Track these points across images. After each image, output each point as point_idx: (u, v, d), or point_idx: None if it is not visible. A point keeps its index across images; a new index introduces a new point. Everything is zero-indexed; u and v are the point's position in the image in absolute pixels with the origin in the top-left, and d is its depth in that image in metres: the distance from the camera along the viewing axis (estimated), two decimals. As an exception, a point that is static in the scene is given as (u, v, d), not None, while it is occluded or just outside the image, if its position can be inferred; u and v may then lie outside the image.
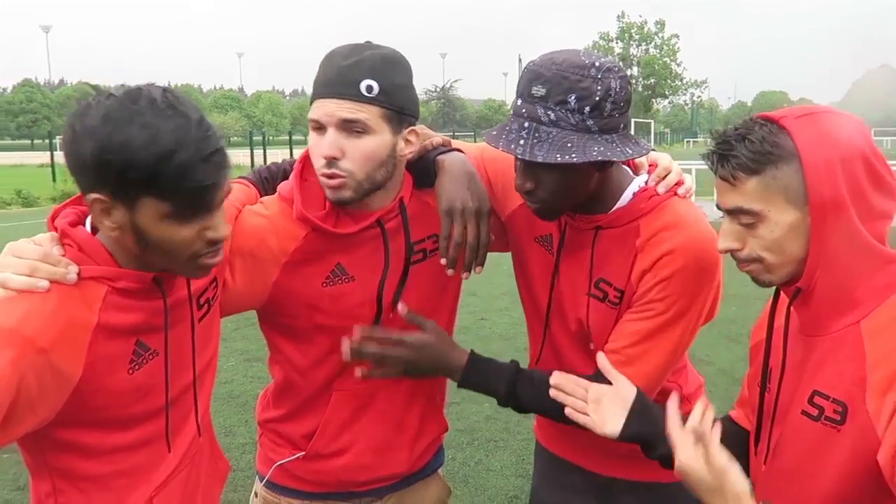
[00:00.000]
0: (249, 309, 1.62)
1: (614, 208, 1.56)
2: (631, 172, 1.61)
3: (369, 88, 1.46)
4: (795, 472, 1.25)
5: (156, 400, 1.35)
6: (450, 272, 1.59)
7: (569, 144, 1.39)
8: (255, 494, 1.81)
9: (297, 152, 1.65)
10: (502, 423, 4.72)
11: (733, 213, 1.23)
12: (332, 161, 1.47)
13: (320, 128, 1.48)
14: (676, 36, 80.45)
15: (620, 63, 1.44)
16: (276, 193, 1.62)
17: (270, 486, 1.76)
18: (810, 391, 1.21)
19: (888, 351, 1.11)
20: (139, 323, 1.28)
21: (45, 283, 1.18)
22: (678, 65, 75.89)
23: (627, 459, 1.66)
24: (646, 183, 1.58)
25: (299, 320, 1.60)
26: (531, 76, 1.43)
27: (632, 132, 1.47)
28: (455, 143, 1.78)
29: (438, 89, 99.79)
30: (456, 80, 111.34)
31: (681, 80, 76.26)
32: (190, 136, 1.16)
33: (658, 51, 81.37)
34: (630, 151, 1.42)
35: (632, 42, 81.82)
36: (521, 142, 1.42)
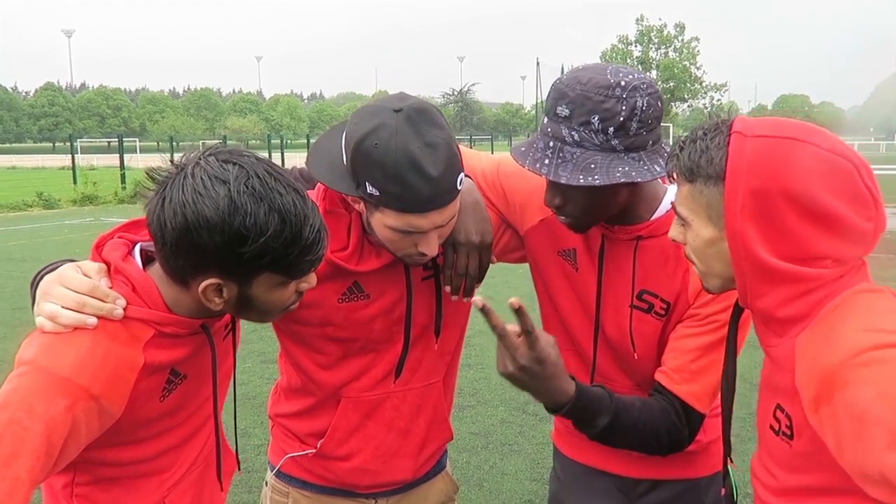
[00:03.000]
0: None
1: (653, 217, 1.55)
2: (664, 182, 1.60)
3: (461, 181, 1.42)
4: (788, 497, 1.20)
5: (179, 417, 1.38)
6: (454, 298, 1.61)
7: (592, 165, 1.39)
8: (266, 483, 1.84)
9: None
10: (517, 426, 4.71)
11: (675, 210, 1.23)
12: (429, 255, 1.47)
13: (412, 233, 1.42)
14: (696, 39, 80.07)
15: (651, 78, 1.43)
16: None
17: (280, 475, 1.78)
18: (775, 404, 1.18)
19: (811, 365, 1.06)
20: (178, 359, 1.31)
21: (94, 321, 1.19)
22: (698, 68, 75.59)
23: (652, 459, 1.67)
24: None
25: (311, 329, 1.61)
26: (556, 95, 1.42)
27: (664, 146, 1.46)
28: (469, 156, 1.75)
29: (456, 93, 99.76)
30: (474, 84, 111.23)
31: (700, 83, 75.89)
32: (307, 209, 1.19)
33: (678, 54, 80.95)
34: (658, 169, 1.41)
35: (651, 45, 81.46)
36: (546, 161, 1.42)
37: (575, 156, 1.40)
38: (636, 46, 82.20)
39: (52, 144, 78.44)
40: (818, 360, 1.05)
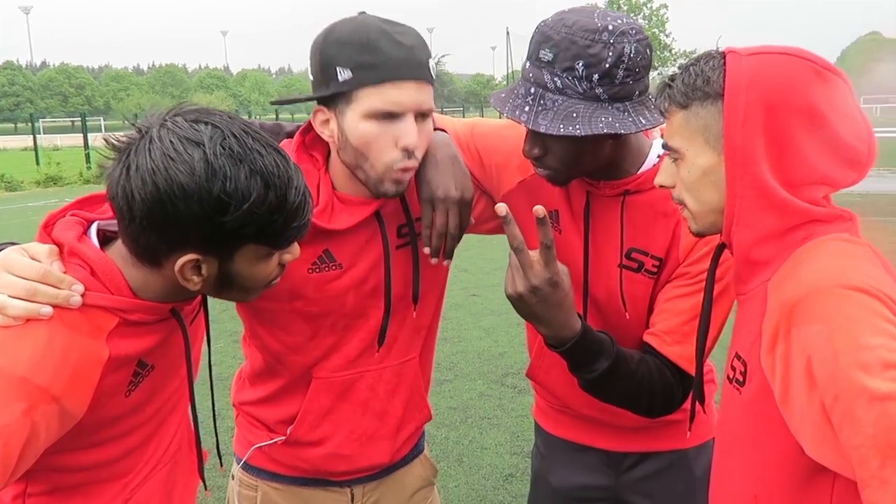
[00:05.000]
0: None
1: (640, 171, 1.47)
2: (652, 136, 1.52)
3: (432, 67, 1.38)
4: (726, 446, 1.18)
5: (145, 413, 1.24)
6: (433, 261, 1.50)
7: (574, 114, 1.30)
8: (233, 477, 1.73)
9: (299, 117, 1.54)
10: (496, 399, 4.66)
11: (665, 147, 1.18)
12: (412, 152, 1.37)
13: (392, 115, 1.34)
14: (665, 6, 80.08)
15: (640, 24, 1.33)
16: None
17: (248, 468, 1.67)
18: (734, 353, 1.14)
19: (775, 303, 1.02)
20: (145, 349, 1.17)
21: (49, 310, 1.04)
22: (667, 35, 75.55)
23: (640, 431, 1.62)
24: None
25: (279, 304, 1.50)
26: (540, 38, 1.33)
27: (650, 97, 1.37)
28: (442, 119, 1.67)
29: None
30: (444, 55, 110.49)
31: (669, 51, 75.88)
32: (291, 170, 1.07)
33: (647, 22, 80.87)
34: (643, 122, 1.32)
35: (620, 12, 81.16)
36: (527, 108, 1.33)
37: (556, 103, 1.31)
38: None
39: (13, 125, 76.69)
40: (782, 295, 1.00)
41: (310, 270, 1.47)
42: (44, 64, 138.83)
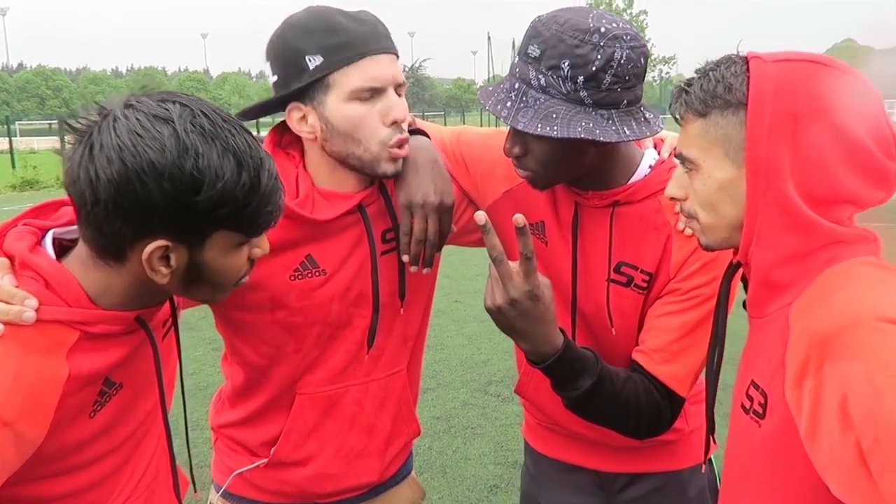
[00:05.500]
0: (208, 302, 1.45)
1: (630, 182, 1.42)
2: (643, 146, 1.48)
3: (394, 47, 1.38)
4: (738, 479, 1.11)
5: (116, 437, 1.16)
6: (413, 269, 1.46)
7: (554, 115, 1.25)
8: None
9: (264, 133, 1.49)
10: (479, 408, 4.61)
11: (678, 157, 1.11)
12: (402, 125, 1.37)
13: (375, 92, 1.33)
14: (645, 12, 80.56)
15: (636, 31, 1.29)
16: None
17: (228, 496, 1.60)
18: (749, 380, 1.08)
19: (802, 332, 0.95)
20: (111, 364, 1.09)
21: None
22: (647, 41, 76.01)
23: (632, 451, 1.57)
24: (658, 156, 1.46)
25: (260, 315, 1.44)
26: (531, 33, 1.29)
27: (642, 109, 1.33)
28: (427, 126, 1.63)
29: (407, 69, 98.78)
30: (425, 60, 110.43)
31: (649, 56, 76.40)
32: (262, 152, 1.03)
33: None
34: (627, 132, 1.27)
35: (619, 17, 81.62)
36: (509, 104, 1.29)
37: (538, 102, 1.27)
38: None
39: (-12, 128, 75.63)
40: (812, 325, 0.93)
41: (292, 277, 1.42)
42: (20, 66, 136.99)
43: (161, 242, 0.99)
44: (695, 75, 1.07)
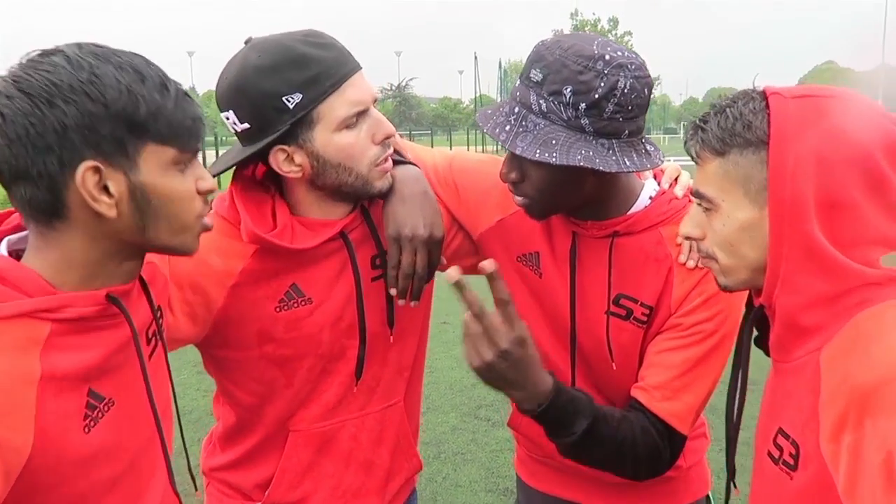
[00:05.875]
0: (190, 343, 1.39)
1: (630, 212, 1.39)
2: (643, 177, 1.44)
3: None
4: None
5: (118, 461, 1.08)
6: (401, 302, 1.41)
7: (553, 141, 1.22)
8: None
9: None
10: (469, 433, 4.54)
11: (695, 195, 1.07)
12: (388, 141, 1.35)
13: (360, 115, 1.31)
14: (630, 33, 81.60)
15: (642, 61, 1.26)
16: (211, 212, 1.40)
17: None
18: (776, 428, 1.03)
19: (839, 383, 0.90)
20: (91, 365, 1.02)
21: None
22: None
23: (629, 488, 1.51)
24: (658, 187, 1.42)
25: (248, 351, 1.39)
26: (534, 57, 1.26)
27: (643, 140, 1.30)
28: (418, 151, 1.58)
29: (394, 88, 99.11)
30: (412, 79, 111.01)
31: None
32: (158, 68, 1.01)
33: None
34: (628, 163, 1.24)
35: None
36: (507, 128, 1.26)
37: (538, 127, 1.23)
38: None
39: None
40: (851, 377, 0.88)
41: (277, 308, 1.37)
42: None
43: (89, 163, 0.95)
44: (710, 110, 1.04)
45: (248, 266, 1.35)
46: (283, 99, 1.23)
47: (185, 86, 1.07)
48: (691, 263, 1.35)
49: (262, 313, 1.36)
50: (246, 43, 1.29)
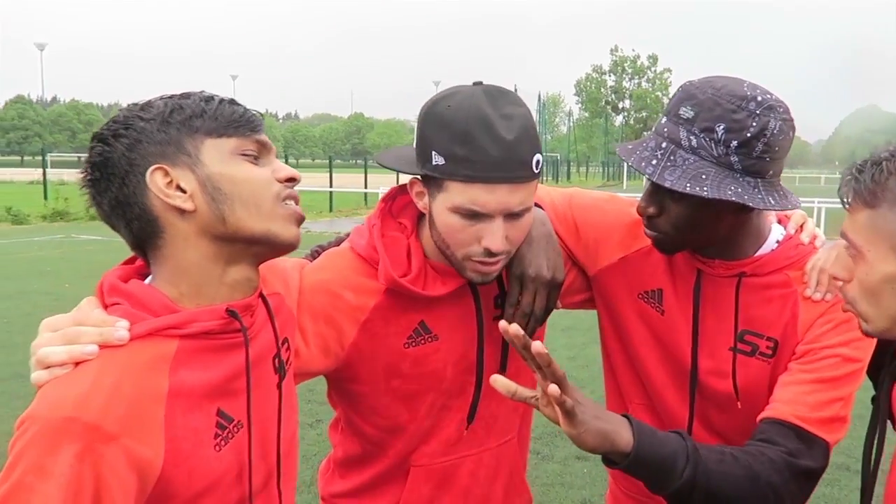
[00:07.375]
0: (319, 375, 1.42)
1: (758, 254, 1.40)
2: (770, 221, 1.45)
3: (538, 163, 1.27)
4: None
5: (242, 488, 1.11)
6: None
7: (703, 176, 1.25)
8: None
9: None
10: (519, 466, 4.51)
11: (843, 237, 1.08)
12: (494, 251, 1.28)
13: (476, 215, 1.25)
14: (669, 70, 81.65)
15: (787, 105, 1.29)
16: (347, 248, 1.44)
17: None
18: None
19: None
20: (218, 383, 1.07)
21: (93, 348, 0.97)
22: (670, 99, 76.87)
23: None
24: (785, 231, 1.44)
25: (375, 385, 1.42)
26: (684, 95, 1.30)
27: (779, 183, 1.32)
28: (538, 189, 1.60)
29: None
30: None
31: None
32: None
33: (650, 85, 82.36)
34: (772, 202, 1.26)
35: (624, 76, 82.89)
36: (654, 161, 1.28)
37: (687, 162, 1.26)
38: (610, 76, 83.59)
39: (20, 158, 77.13)
40: None
41: (406, 345, 1.40)
42: (54, 99, 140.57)
43: (154, 167, 1.04)
44: (867, 160, 1.06)
45: (380, 303, 1.38)
46: (432, 152, 1.26)
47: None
48: (818, 296, 1.35)
49: (391, 349, 1.39)
50: (477, 83, 1.29)
